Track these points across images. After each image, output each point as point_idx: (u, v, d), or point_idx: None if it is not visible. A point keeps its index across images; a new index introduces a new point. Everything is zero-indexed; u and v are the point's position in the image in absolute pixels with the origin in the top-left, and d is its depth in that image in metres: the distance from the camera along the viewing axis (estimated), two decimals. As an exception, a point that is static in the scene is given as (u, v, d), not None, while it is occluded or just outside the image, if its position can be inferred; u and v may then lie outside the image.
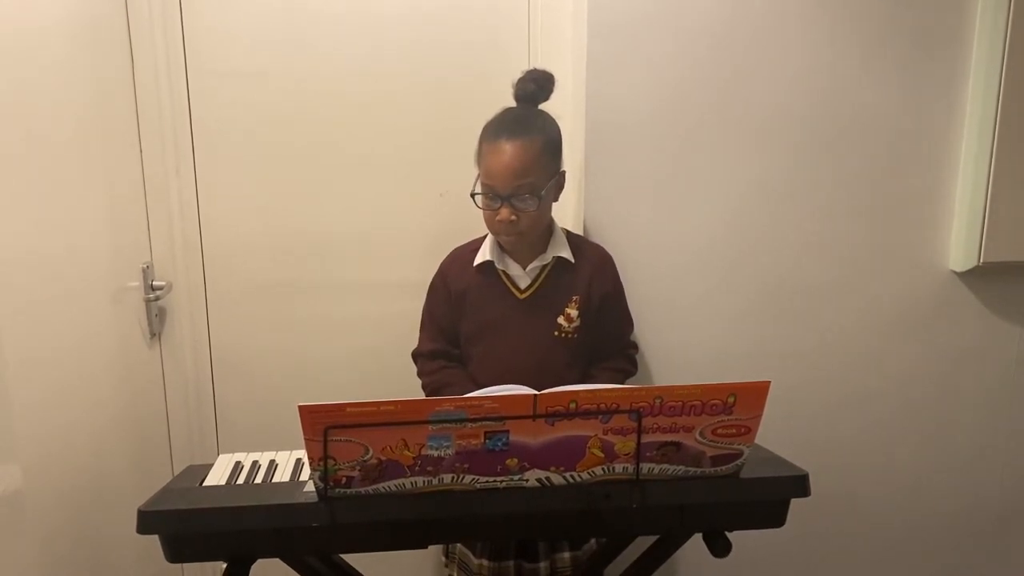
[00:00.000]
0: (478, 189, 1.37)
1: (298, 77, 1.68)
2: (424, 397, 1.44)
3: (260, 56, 1.67)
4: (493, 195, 1.35)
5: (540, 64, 1.60)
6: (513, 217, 1.34)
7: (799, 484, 1.04)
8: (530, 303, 1.45)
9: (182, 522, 0.99)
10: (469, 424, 0.94)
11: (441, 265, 1.52)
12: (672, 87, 1.60)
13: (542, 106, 1.41)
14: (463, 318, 1.48)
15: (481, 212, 1.40)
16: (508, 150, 1.32)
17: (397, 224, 1.76)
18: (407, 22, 1.68)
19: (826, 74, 1.62)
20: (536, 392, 0.95)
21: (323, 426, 0.92)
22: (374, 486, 0.98)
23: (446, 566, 1.57)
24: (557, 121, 1.41)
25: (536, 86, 1.38)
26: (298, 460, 1.18)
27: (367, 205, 1.75)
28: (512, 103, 1.41)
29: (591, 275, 1.46)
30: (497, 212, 1.35)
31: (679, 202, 1.65)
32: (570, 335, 1.44)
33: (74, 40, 1.42)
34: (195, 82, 1.68)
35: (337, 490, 0.98)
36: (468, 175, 1.39)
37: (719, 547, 1.07)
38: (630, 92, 1.59)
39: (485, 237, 1.48)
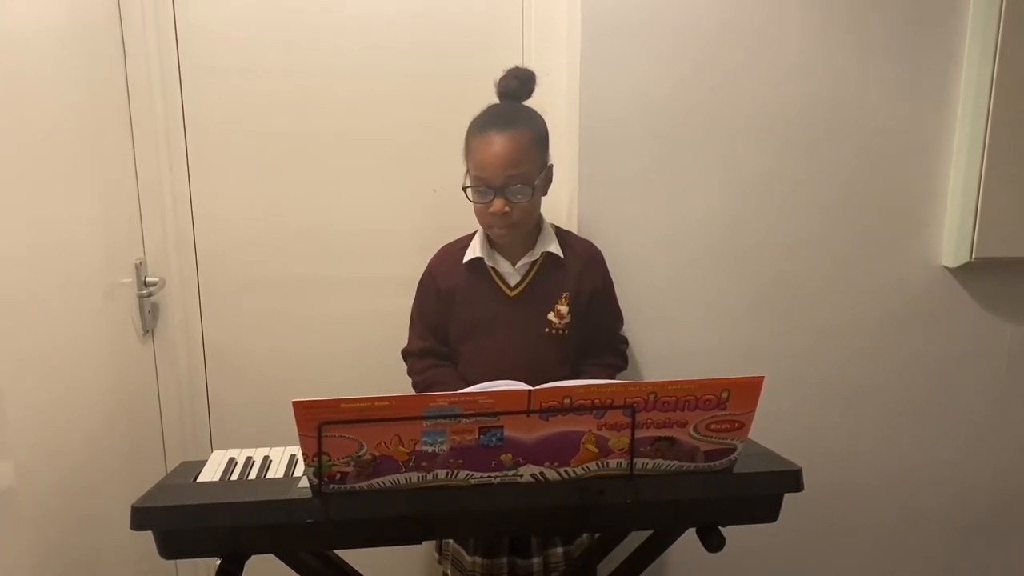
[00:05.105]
0: (468, 183, 1.37)
1: (291, 73, 1.68)
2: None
3: (253, 52, 1.66)
4: (485, 187, 1.34)
5: (534, 62, 1.61)
6: (507, 209, 1.34)
7: (792, 479, 1.05)
8: (520, 300, 1.44)
9: (176, 518, 0.99)
10: (463, 420, 0.94)
11: (430, 263, 1.52)
12: (665, 85, 1.60)
13: (529, 102, 1.41)
14: (453, 316, 1.47)
15: (473, 208, 1.39)
16: (499, 141, 1.32)
17: (390, 220, 1.76)
18: (401, 19, 1.68)
19: (818, 71, 1.62)
20: (530, 387, 0.95)
21: (317, 422, 0.92)
22: (368, 482, 0.98)
23: (439, 563, 1.57)
24: (550, 118, 1.41)
25: (519, 83, 1.39)
26: (292, 456, 1.18)
27: (360, 201, 1.75)
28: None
29: (581, 271, 1.46)
30: (490, 204, 1.34)
31: (673, 199, 1.65)
32: (561, 332, 1.44)
33: (66, 36, 1.41)
34: (188, 78, 1.67)
35: (331, 486, 0.98)
36: (461, 171, 1.39)
37: (713, 542, 1.07)
38: (624, 90, 1.59)
39: (474, 234, 1.48)
